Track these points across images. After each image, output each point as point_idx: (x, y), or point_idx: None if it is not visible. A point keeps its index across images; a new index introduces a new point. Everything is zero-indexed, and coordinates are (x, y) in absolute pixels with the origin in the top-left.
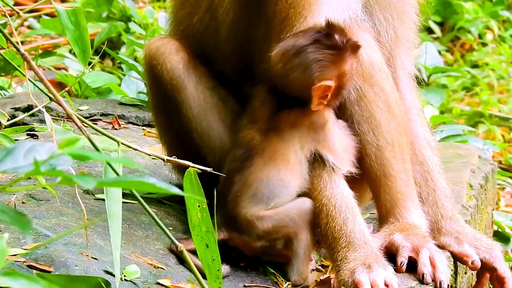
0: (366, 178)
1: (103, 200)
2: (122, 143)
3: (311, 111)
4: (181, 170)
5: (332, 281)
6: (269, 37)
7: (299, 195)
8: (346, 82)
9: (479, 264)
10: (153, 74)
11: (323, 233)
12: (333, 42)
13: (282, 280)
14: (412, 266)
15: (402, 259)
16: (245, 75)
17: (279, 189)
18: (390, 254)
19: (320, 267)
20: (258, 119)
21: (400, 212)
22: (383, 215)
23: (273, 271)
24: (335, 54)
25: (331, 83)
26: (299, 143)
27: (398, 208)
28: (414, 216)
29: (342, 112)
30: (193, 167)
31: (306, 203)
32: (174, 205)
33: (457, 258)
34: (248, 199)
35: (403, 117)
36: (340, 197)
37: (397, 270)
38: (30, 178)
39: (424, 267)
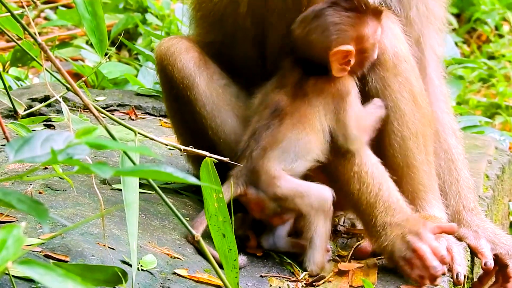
0: (388, 168)
1: (120, 190)
2: (139, 133)
3: (335, 79)
4: (196, 161)
5: (366, 247)
6: (289, 9)
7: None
8: (369, 48)
9: (491, 266)
10: (165, 74)
11: (355, 200)
12: (352, 4)
13: (298, 270)
14: None
15: None
16: (266, 50)
17: (305, 152)
18: None
19: (337, 257)
20: (286, 84)
21: (421, 204)
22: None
23: (289, 261)
24: (353, 17)
25: (350, 47)
26: (324, 110)
27: (419, 199)
28: (435, 209)
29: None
30: (210, 157)
31: (327, 192)
32: (191, 195)
33: (472, 252)
34: (275, 154)
35: (428, 108)
36: (370, 164)
37: None
38: (47, 168)
39: None
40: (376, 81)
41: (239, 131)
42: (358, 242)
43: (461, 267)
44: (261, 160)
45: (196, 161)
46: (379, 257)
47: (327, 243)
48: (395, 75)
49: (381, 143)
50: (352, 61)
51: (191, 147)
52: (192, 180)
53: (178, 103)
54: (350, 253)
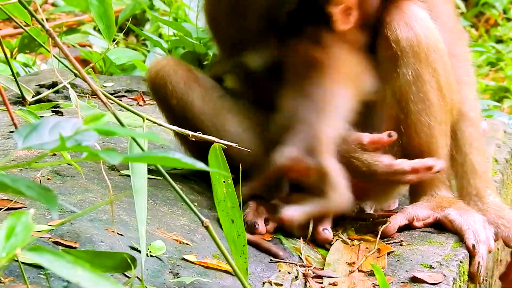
0: (412, 156)
1: (129, 176)
2: (147, 119)
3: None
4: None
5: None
6: None
7: None
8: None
9: (478, 250)
10: (158, 97)
11: None
12: None
13: (308, 256)
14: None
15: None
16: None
17: (347, 110)
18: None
19: (347, 240)
20: (305, 47)
21: (438, 186)
22: (423, 189)
23: (298, 246)
24: None
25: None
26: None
27: (435, 184)
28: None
29: (400, 92)
30: (218, 142)
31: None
32: (199, 181)
33: None
34: (329, 117)
35: (451, 97)
36: None
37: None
38: (55, 155)
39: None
40: (411, 74)
41: (244, 137)
42: (385, 224)
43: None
44: (318, 124)
45: (193, 149)
46: (388, 241)
47: (319, 214)
48: (427, 66)
49: (406, 131)
50: (353, 14)
51: (199, 132)
52: (200, 165)
53: (178, 121)
54: (378, 235)
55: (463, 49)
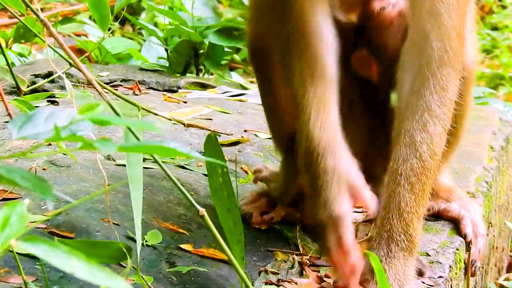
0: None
1: (124, 166)
2: (142, 108)
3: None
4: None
5: None
6: None
7: None
8: None
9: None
10: None
11: None
12: None
13: (304, 244)
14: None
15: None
16: None
17: None
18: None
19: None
20: None
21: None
22: None
23: (295, 235)
24: None
25: None
26: None
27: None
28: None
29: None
30: (213, 131)
31: None
32: (195, 171)
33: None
34: None
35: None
36: None
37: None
38: (50, 145)
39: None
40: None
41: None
42: None
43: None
44: None
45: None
46: None
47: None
48: (470, 82)
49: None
50: None
51: (194, 121)
52: (196, 155)
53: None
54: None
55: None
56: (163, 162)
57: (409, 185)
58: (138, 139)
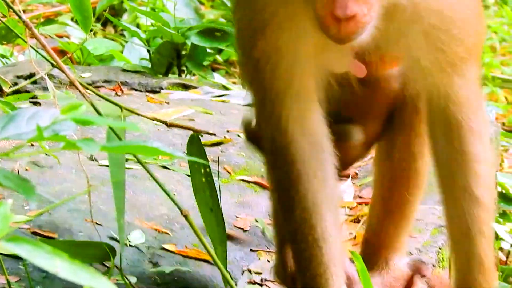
0: None
1: (107, 166)
2: (125, 108)
3: None
4: None
5: None
6: None
7: None
8: None
9: None
10: None
11: None
12: None
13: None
14: None
15: None
16: None
17: None
18: None
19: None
20: None
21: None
22: (377, 254)
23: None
24: None
25: None
26: None
27: (391, 248)
28: None
29: None
30: (196, 131)
31: None
32: (178, 171)
33: None
34: None
35: None
36: None
37: None
38: (33, 145)
39: None
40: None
41: None
42: None
43: None
44: None
45: None
46: None
47: None
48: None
49: None
50: None
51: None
52: (179, 154)
53: None
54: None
55: None
56: (145, 162)
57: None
58: (120, 139)
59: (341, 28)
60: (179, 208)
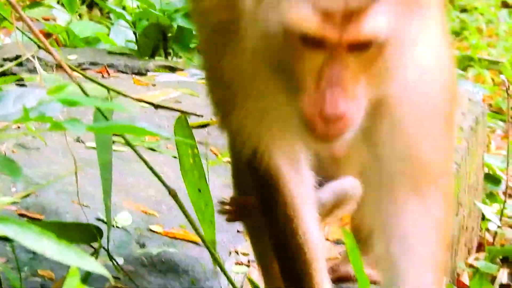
0: None
1: (94, 149)
2: (112, 90)
3: None
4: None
5: None
6: None
7: None
8: None
9: None
10: None
11: None
12: None
13: None
14: None
15: None
16: None
17: None
18: None
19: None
20: None
21: None
22: None
23: None
24: None
25: None
26: None
27: None
28: None
29: None
30: (183, 113)
31: None
32: (165, 153)
33: None
34: None
35: None
36: None
37: None
38: (19, 128)
39: None
40: None
41: None
42: None
43: None
44: None
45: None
46: None
47: None
48: None
49: None
50: None
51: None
52: (166, 134)
53: None
54: None
55: None
56: (133, 145)
57: None
58: (107, 119)
59: (330, 127)
60: (167, 188)
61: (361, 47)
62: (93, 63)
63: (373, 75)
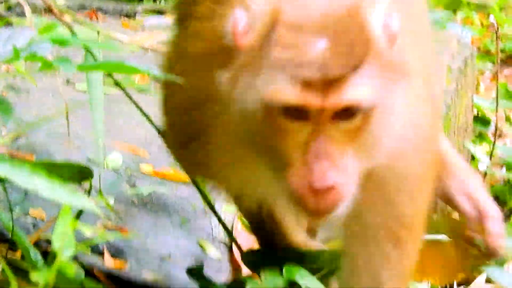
0: None
1: (84, 92)
2: (101, 32)
3: None
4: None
5: None
6: None
7: None
8: None
9: None
10: None
11: None
12: None
13: None
14: None
15: None
16: None
17: None
18: None
19: None
20: None
21: None
22: None
23: None
24: None
25: None
26: None
27: None
28: None
29: None
30: None
31: None
32: (155, 95)
33: None
34: None
35: None
36: None
37: None
38: (8, 72)
39: None
40: None
41: None
42: None
43: None
44: None
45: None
46: None
47: None
48: None
49: None
50: None
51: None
52: (156, 72)
53: None
54: None
55: None
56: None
57: None
58: (95, 59)
59: (321, 202)
60: (156, 128)
61: (345, 115)
62: (82, 7)
63: (360, 145)
